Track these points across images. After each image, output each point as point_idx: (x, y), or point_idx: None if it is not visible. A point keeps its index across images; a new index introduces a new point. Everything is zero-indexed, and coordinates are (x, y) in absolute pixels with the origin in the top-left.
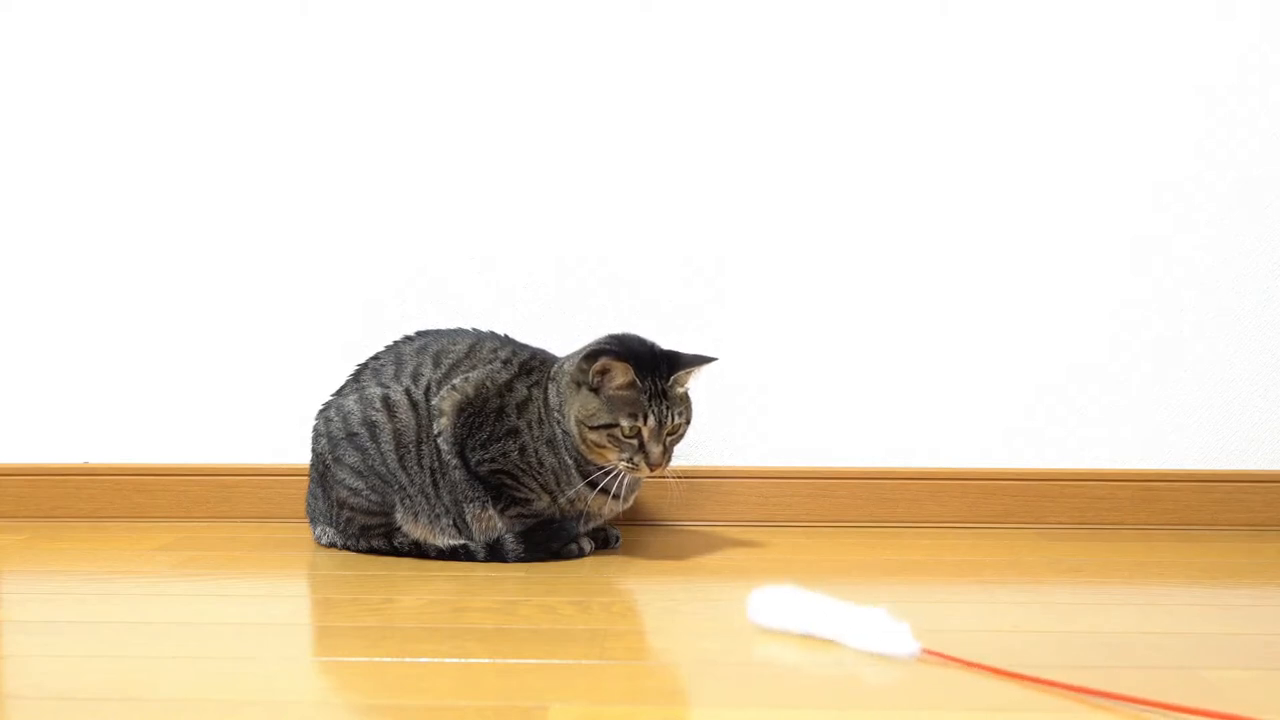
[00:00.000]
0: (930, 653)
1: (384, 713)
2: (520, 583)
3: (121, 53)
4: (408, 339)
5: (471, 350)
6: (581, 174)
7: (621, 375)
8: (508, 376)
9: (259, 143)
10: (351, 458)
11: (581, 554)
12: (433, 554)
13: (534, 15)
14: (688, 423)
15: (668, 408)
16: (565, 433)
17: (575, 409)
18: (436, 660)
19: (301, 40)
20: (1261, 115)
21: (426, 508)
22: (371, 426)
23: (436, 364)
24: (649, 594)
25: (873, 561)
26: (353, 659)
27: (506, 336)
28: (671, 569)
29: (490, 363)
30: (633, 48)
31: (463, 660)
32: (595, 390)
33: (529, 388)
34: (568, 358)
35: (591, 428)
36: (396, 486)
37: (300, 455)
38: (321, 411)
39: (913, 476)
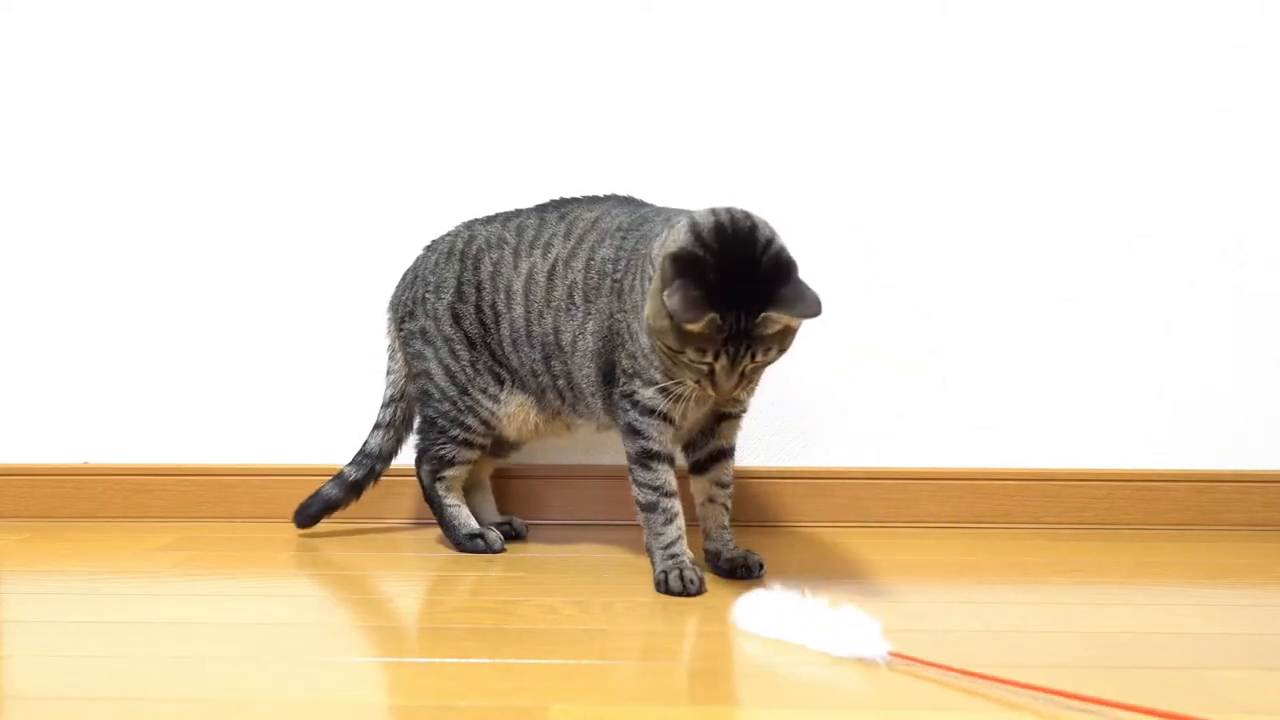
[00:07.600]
0: (897, 655)
1: (384, 712)
2: (520, 583)
3: (123, 53)
4: (553, 206)
5: (596, 221)
6: (580, 176)
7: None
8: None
9: (256, 145)
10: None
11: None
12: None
13: (537, 17)
14: (781, 352)
15: (747, 347)
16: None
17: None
18: (436, 660)
19: (298, 38)
20: (1262, 113)
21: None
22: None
23: (568, 236)
24: (649, 594)
25: (873, 561)
26: (352, 659)
27: (630, 198)
28: None
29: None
30: (635, 48)
31: (463, 660)
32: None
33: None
34: (670, 231)
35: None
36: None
37: (298, 456)
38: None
39: (913, 476)
